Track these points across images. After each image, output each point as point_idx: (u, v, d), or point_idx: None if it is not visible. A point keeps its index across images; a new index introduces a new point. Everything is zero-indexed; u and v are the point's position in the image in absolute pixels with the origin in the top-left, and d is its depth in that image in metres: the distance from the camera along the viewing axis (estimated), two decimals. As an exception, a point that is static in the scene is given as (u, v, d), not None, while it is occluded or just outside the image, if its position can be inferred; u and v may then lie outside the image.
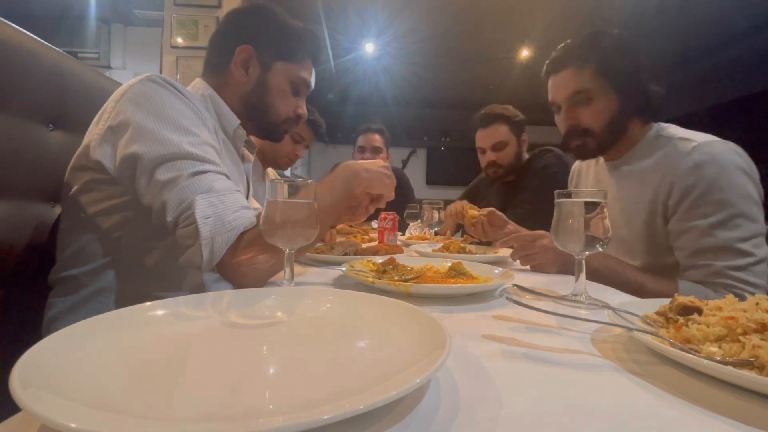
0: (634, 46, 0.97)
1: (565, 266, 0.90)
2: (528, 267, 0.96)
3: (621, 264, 0.90)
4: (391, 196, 0.86)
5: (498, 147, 1.76)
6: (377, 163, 0.83)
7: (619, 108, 0.97)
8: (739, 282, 0.83)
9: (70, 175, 0.73)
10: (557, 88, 1.02)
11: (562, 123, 1.03)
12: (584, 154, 1.04)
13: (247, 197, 0.96)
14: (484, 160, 1.82)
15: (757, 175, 0.89)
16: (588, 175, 1.21)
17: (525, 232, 0.98)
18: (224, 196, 0.66)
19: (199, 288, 0.79)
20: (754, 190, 0.86)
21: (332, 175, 0.80)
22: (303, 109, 0.93)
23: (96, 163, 0.67)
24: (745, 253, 0.83)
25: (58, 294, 0.71)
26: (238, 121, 0.87)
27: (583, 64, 0.97)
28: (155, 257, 0.73)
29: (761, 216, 0.87)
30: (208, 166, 0.67)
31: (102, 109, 0.71)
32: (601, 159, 1.12)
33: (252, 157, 1.02)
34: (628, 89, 0.96)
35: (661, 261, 0.95)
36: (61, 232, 0.73)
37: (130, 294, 0.73)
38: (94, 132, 0.69)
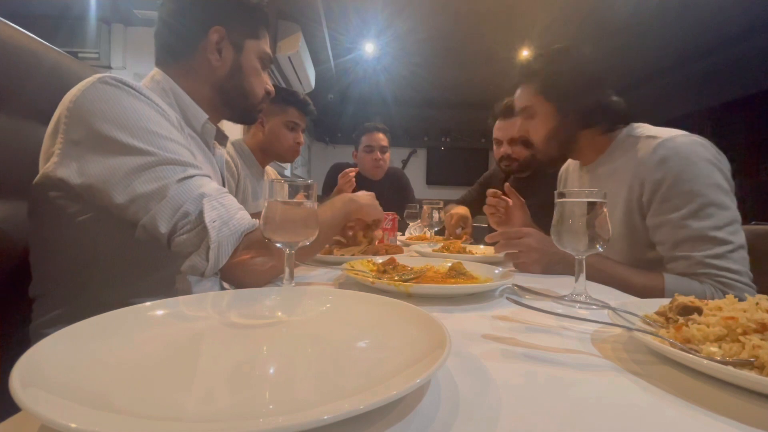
0: (581, 64, 1.02)
1: (549, 267, 0.90)
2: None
3: (604, 261, 0.90)
4: (382, 219, 0.99)
5: (516, 141, 1.70)
6: (370, 196, 0.95)
7: (557, 125, 1.03)
8: (721, 270, 0.84)
9: (35, 192, 0.65)
10: (516, 102, 1.11)
11: (516, 133, 1.16)
12: (541, 164, 1.12)
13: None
14: (498, 152, 1.77)
15: (725, 166, 0.89)
16: (574, 177, 1.23)
17: (512, 228, 0.98)
18: (221, 199, 0.65)
19: (185, 292, 0.77)
20: (723, 180, 0.87)
21: (334, 199, 0.88)
22: (270, 85, 0.92)
23: (60, 180, 0.62)
24: (721, 241, 0.84)
25: (38, 308, 0.68)
26: (205, 116, 0.83)
27: (528, 82, 1.06)
28: (134, 266, 0.70)
29: (733, 204, 0.87)
30: (190, 170, 0.65)
31: (55, 118, 0.64)
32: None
33: (223, 150, 0.98)
34: (567, 107, 1.01)
35: (643, 257, 0.97)
36: (33, 250, 0.68)
37: (111, 305, 0.69)
38: (54, 147, 0.63)
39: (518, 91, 1.09)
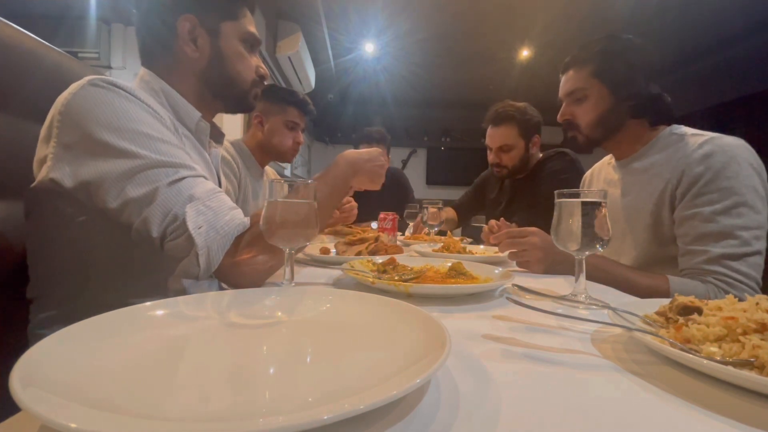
0: (638, 52, 1.01)
1: (552, 267, 0.90)
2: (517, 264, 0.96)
3: (608, 262, 0.91)
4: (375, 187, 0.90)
5: (503, 149, 1.73)
6: (376, 157, 0.85)
7: (610, 108, 1.02)
8: (733, 271, 0.84)
9: (30, 195, 0.65)
10: (562, 85, 1.11)
11: (559, 117, 1.12)
12: (577, 147, 1.10)
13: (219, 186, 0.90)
14: (490, 157, 1.81)
15: (765, 173, 0.91)
16: (599, 179, 1.23)
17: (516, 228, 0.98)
18: (209, 202, 0.64)
19: (180, 293, 0.77)
20: (761, 186, 0.88)
21: (332, 165, 0.82)
22: (263, 67, 0.87)
23: (54, 183, 0.61)
24: (744, 242, 0.85)
25: (36, 309, 0.68)
26: (198, 115, 0.80)
27: (582, 65, 1.05)
28: (131, 268, 0.69)
29: (765, 211, 0.88)
30: (182, 172, 0.63)
31: (47, 122, 0.64)
32: (613, 159, 1.16)
33: (220, 148, 0.95)
34: (622, 92, 1.01)
35: (663, 251, 0.97)
36: (30, 251, 0.68)
37: (108, 306, 0.68)
38: (46, 150, 0.63)
39: (568, 74, 1.08)
